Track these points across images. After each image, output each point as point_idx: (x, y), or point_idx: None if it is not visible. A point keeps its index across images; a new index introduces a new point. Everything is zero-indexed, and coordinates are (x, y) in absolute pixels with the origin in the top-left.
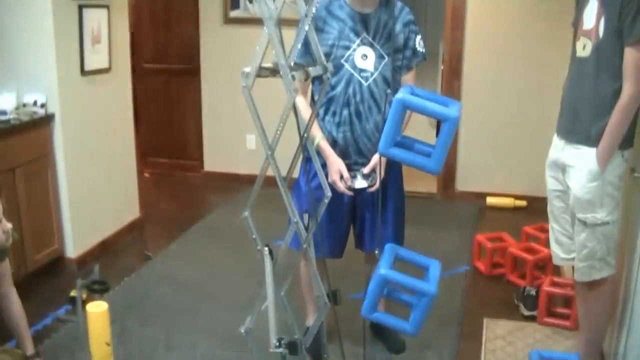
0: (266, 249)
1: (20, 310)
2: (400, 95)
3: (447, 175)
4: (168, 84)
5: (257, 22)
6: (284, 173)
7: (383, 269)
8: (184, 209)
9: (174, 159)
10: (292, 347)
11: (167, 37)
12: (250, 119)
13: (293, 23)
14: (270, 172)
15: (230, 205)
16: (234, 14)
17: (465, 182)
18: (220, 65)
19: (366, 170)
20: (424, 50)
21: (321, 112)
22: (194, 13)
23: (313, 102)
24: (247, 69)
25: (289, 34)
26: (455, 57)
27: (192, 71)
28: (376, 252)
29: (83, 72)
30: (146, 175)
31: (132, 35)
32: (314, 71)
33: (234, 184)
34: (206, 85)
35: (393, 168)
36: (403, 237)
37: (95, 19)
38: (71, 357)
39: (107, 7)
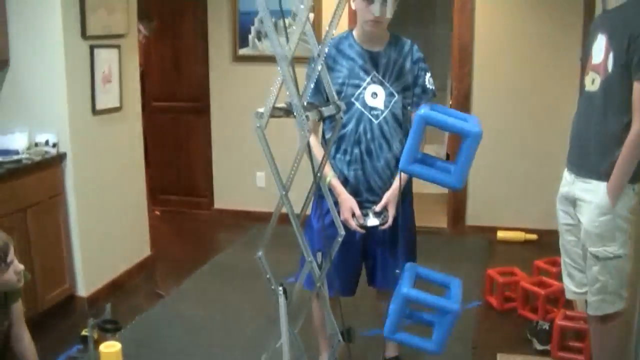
0: (280, 288)
1: (33, 354)
2: (422, 111)
3: (457, 210)
4: (178, 122)
5: (266, 59)
6: (296, 210)
7: (405, 288)
8: (195, 247)
9: (184, 197)
10: None
11: (177, 75)
12: (259, 156)
13: (304, 60)
14: (282, 210)
15: (240, 243)
16: (242, 51)
17: (475, 217)
18: (229, 103)
19: (378, 208)
20: (433, 88)
21: (332, 150)
22: (203, 51)
23: (324, 140)
24: (261, 110)
25: (300, 72)
26: (463, 93)
27: (201, 109)
28: (396, 271)
29: (94, 111)
30: (157, 213)
31: (142, 73)
32: (327, 111)
33: (244, 221)
34: (216, 123)
35: (404, 204)
36: None
37: (106, 59)
38: None
39: (118, 47)
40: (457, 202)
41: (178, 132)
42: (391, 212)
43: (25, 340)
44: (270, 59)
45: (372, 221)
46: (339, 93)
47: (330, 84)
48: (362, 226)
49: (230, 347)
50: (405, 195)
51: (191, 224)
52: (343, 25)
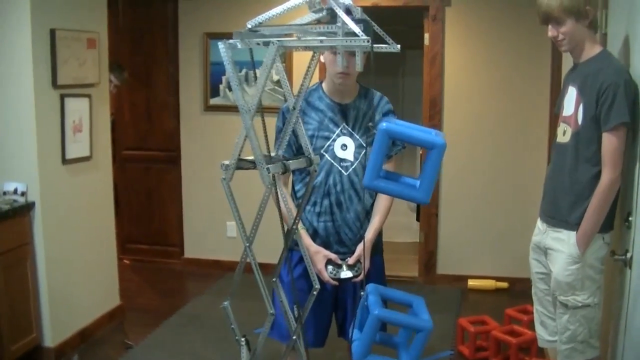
0: (243, 339)
1: None
2: (384, 124)
3: (428, 258)
4: (148, 171)
5: (237, 109)
6: (264, 259)
7: (376, 309)
8: (165, 297)
9: (155, 246)
10: None
11: (148, 125)
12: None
13: (274, 111)
14: (260, 260)
15: (211, 292)
16: (213, 101)
17: (446, 265)
18: (200, 152)
19: (351, 260)
20: None
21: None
22: (174, 100)
23: (293, 191)
24: (226, 162)
25: (271, 122)
26: None
27: (172, 158)
28: (361, 293)
29: (64, 160)
30: (126, 262)
31: (113, 123)
32: (293, 164)
33: (214, 270)
34: (186, 172)
35: (375, 255)
36: (386, 324)
37: (77, 108)
38: None
39: (88, 96)
40: (428, 251)
41: (149, 181)
42: (365, 264)
43: None
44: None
45: (346, 273)
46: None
47: (305, 135)
48: (336, 279)
49: None
50: (376, 246)
51: (161, 274)
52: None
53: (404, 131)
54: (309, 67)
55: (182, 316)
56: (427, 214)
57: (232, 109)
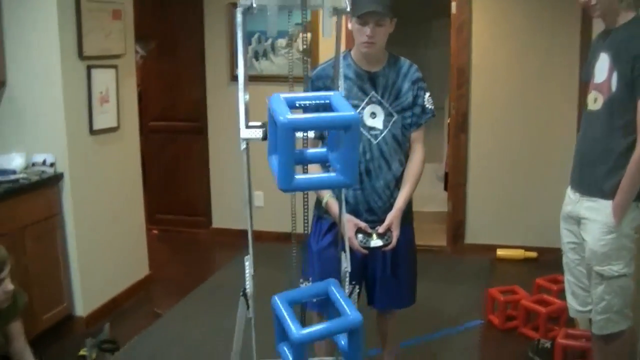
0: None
1: None
2: (281, 118)
3: (456, 228)
4: (175, 142)
5: (263, 79)
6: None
7: (293, 332)
8: (193, 266)
9: (182, 216)
10: None
11: (174, 95)
12: (257, 175)
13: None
14: (286, 229)
15: (238, 262)
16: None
17: (474, 235)
18: (226, 122)
19: (382, 229)
20: (432, 107)
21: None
22: (200, 72)
23: None
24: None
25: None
26: (461, 112)
27: (199, 129)
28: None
29: (92, 131)
30: (154, 232)
31: (140, 94)
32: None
33: (242, 240)
34: (213, 142)
35: (405, 224)
36: (415, 294)
37: (103, 79)
38: None
39: (115, 67)
40: (455, 220)
41: (176, 152)
42: (395, 233)
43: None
44: (267, 79)
45: (376, 242)
46: None
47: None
48: (366, 247)
49: None
50: (406, 215)
51: (189, 244)
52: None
53: (308, 119)
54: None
55: (210, 285)
56: (455, 183)
57: (259, 78)
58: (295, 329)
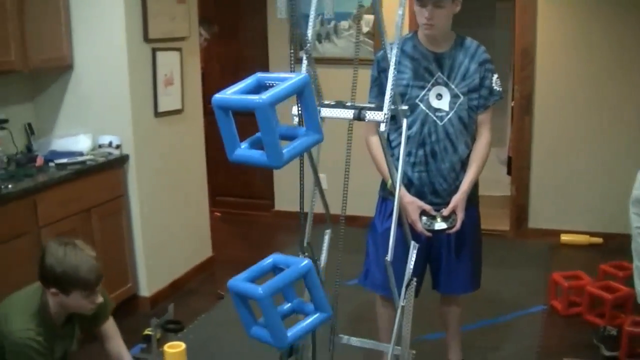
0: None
1: None
2: (260, 99)
3: (520, 212)
4: (238, 124)
5: (326, 61)
6: (356, 212)
7: (256, 290)
8: (255, 249)
9: (245, 199)
10: None
11: (237, 78)
12: (321, 157)
13: (364, 62)
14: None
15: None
16: (302, 54)
17: (537, 220)
18: (290, 105)
19: (446, 212)
20: (500, 89)
21: (396, 152)
22: (263, 54)
23: (388, 140)
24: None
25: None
26: (525, 95)
27: None
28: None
29: (156, 113)
30: (217, 214)
31: (203, 76)
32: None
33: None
34: None
35: (470, 208)
36: (479, 279)
37: (168, 62)
38: None
39: (179, 50)
40: (519, 204)
41: (239, 134)
42: (460, 216)
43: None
44: (330, 61)
45: (440, 225)
46: (403, 94)
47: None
48: (430, 230)
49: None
50: (472, 198)
51: (252, 226)
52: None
53: (280, 92)
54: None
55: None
56: (519, 167)
57: (321, 61)
58: (258, 289)
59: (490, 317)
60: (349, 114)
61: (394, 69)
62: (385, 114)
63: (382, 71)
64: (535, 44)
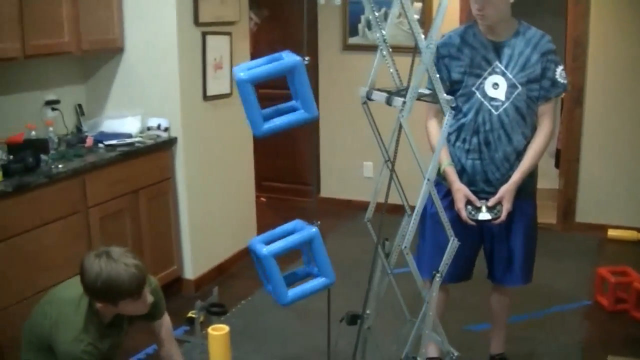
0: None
1: None
2: (241, 74)
3: (567, 206)
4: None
5: (376, 48)
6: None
7: (260, 249)
8: None
9: (290, 184)
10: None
11: None
12: (367, 145)
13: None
14: (397, 201)
15: (343, 232)
16: (352, 40)
17: (585, 214)
18: (338, 92)
19: (491, 202)
20: (565, 81)
21: (452, 138)
22: (312, 40)
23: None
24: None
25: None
26: (577, 87)
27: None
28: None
29: (205, 97)
30: (262, 199)
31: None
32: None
33: (348, 210)
34: (324, 111)
35: (524, 200)
36: (531, 273)
37: (217, 45)
38: None
39: (229, 34)
40: (566, 198)
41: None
42: (506, 207)
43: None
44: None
45: (484, 215)
46: (460, 82)
47: (451, 71)
48: (474, 219)
49: (332, 336)
50: (526, 191)
51: (296, 212)
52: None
53: (261, 71)
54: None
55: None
56: (568, 159)
57: (371, 48)
58: (263, 249)
59: (535, 310)
60: (382, 97)
61: (436, 59)
62: (403, 101)
63: (441, 58)
64: (588, 35)
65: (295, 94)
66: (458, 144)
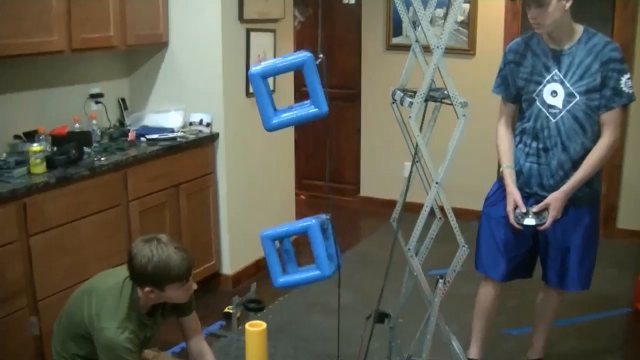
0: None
1: None
2: (252, 69)
3: (608, 212)
4: (328, 108)
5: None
6: (459, 204)
7: (263, 233)
8: (339, 233)
9: (330, 183)
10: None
11: (329, 62)
12: (409, 146)
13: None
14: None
15: (383, 232)
16: (396, 40)
17: (627, 220)
18: (380, 91)
19: (536, 208)
20: (630, 91)
21: (516, 140)
22: (356, 39)
23: (513, 129)
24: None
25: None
26: None
27: (352, 97)
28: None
29: (248, 93)
30: (302, 197)
31: None
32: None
33: (389, 210)
34: (366, 111)
35: (582, 205)
36: (587, 279)
37: (261, 42)
38: None
39: (273, 31)
40: (608, 203)
41: (328, 119)
42: (551, 215)
43: (207, 357)
44: (425, 49)
45: (529, 220)
46: (522, 88)
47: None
48: (519, 223)
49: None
50: (583, 199)
51: (336, 211)
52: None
53: (272, 66)
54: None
55: (354, 253)
56: (610, 164)
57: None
58: (264, 232)
59: (573, 316)
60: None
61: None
62: (411, 102)
63: (507, 63)
64: (635, 40)
65: (308, 90)
66: (520, 146)
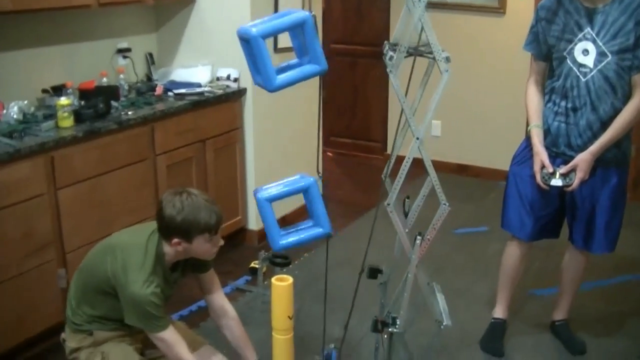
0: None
1: (242, 330)
2: (253, 31)
3: (637, 174)
4: (355, 66)
5: (449, 7)
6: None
7: (259, 194)
8: (365, 191)
9: (357, 140)
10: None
11: (357, 19)
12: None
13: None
14: (464, 161)
15: (409, 189)
16: None
17: None
18: None
19: (563, 170)
20: None
21: (546, 98)
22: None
23: (542, 87)
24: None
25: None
26: None
27: (380, 54)
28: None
29: (276, 49)
30: (329, 154)
31: (323, 15)
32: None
33: (415, 168)
34: None
35: (609, 169)
36: (613, 242)
37: None
38: (247, 327)
39: None
40: (638, 166)
41: (355, 76)
42: (579, 176)
43: (229, 314)
44: (454, 7)
45: (556, 181)
46: (554, 46)
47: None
48: (546, 184)
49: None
50: (610, 160)
51: (362, 168)
52: None
53: (271, 27)
54: None
55: (381, 210)
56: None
57: (447, 6)
58: (260, 193)
59: (600, 278)
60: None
61: (535, 20)
62: (391, 55)
63: (539, 20)
64: None
65: (303, 50)
66: (549, 105)
